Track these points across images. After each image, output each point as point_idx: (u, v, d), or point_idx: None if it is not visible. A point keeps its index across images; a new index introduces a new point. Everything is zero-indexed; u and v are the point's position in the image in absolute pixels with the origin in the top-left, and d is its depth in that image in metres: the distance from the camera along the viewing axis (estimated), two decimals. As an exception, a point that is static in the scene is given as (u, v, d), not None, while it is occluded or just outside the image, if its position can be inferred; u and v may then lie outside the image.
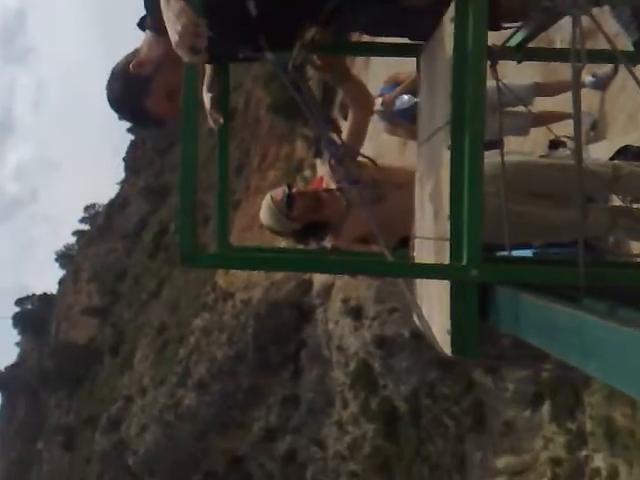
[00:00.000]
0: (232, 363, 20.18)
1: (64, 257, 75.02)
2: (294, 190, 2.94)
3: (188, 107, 1.61)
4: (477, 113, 1.48)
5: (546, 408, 11.50)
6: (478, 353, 1.60)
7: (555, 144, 3.27)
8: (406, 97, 3.94)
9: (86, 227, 73.36)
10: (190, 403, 21.10)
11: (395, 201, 2.82)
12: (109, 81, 2.11)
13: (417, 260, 2.09)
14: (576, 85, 1.23)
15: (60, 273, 72.83)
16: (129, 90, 2.06)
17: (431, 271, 1.66)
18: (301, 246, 3.09)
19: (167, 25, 1.73)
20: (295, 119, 21.94)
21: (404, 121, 3.91)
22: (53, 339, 55.64)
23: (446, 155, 1.58)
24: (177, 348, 23.31)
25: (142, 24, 2.09)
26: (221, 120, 2.28)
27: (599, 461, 9.62)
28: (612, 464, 9.20)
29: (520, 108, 3.66)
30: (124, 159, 69.85)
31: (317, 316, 18.30)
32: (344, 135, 2.79)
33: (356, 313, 15.78)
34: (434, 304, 1.79)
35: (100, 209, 71.47)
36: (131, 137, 66.69)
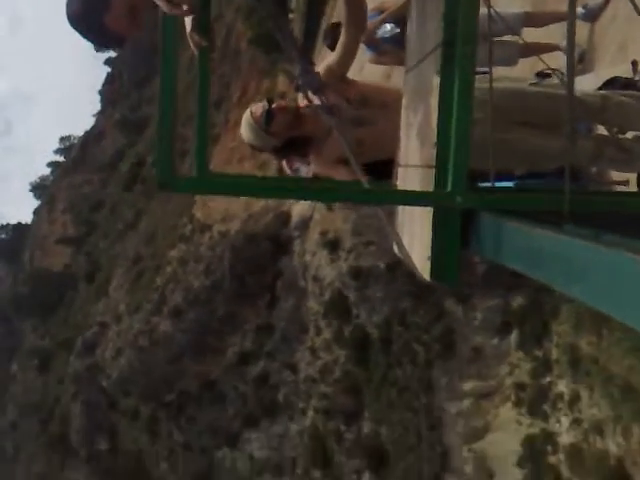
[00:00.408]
0: (208, 292, 20.32)
1: (39, 188, 73.97)
2: (274, 105, 2.84)
3: (166, 33, 1.57)
4: (469, 36, 1.44)
5: (514, 336, 11.84)
6: (457, 280, 1.61)
7: (542, 75, 3.25)
8: (389, 26, 3.85)
9: (61, 158, 72.19)
10: (165, 329, 21.32)
11: (382, 121, 2.76)
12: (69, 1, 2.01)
13: (401, 188, 2.07)
14: (572, 12, 1.23)
15: (35, 204, 71.90)
16: (88, 5, 1.98)
17: (415, 198, 1.65)
18: (284, 167, 3.04)
19: None
20: (276, 53, 21.43)
21: (390, 46, 3.83)
22: (27, 266, 55.35)
23: (435, 80, 1.55)
24: (153, 277, 23.36)
25: None
26: (203, 43, 2.19)
27: (562, 386, 10.01)
28: (574, 389, 9.58)
29: (509, 38, 3.61)
30: (100, 91, 68.22)
31: (294, 248, 18.41)
32: (335, 53, 2.75)
33: (333, 245, 15.91)
34: (415, 231, 1.79)
35: (75, 141, 70.12)
36: (108, 69, 64.86)
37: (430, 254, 1.58)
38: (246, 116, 2.91)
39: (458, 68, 1.46)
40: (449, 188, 1.49)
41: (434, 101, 1.57)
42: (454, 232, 1.55)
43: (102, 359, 24.30)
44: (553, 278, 1.17)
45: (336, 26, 3.10)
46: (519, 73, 4.01)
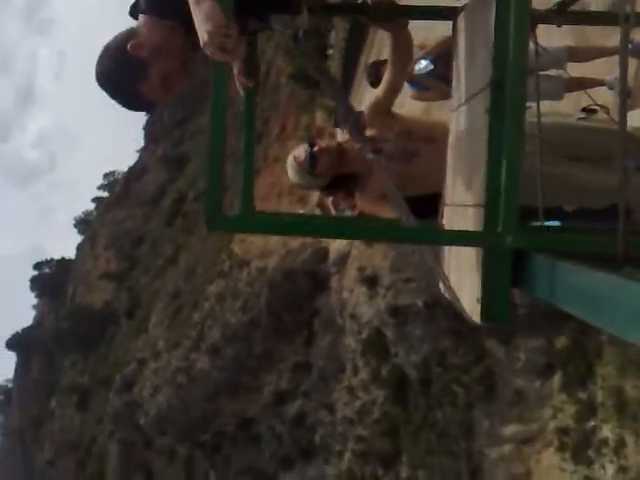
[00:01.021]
0: (246, 329, 20.34)
1: (83, 223, 75.77)
2: (316, 148, 2.84)
3: (218, 79, 1.60)
4: (519, 76, 1.43)
5: (557, 378, 11.53)
6: (508, 319, 1.57)
7: (588, 111, 3.19)
8: (424, 62, 3.87)
9: (105, 194, 73.88)
10: (203, 366, 21.34)
11: (428, 156, 2.76)
12: (102, 57, 1.99)
13: (447, 228, 2.05)
14: (624, 47, 1.20)
15: (78, 239, 73.50)
16: (124, 71, 1.95)
17: (464, 238, 1.62)
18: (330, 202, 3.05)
19: (196, 24, 1.67)
20: (315, 88, 21.77)
21: (432, 81, 3.83)
22: (69, 302, 56.29)
23: (484, 119, 1.54)
24: (191, 313, 23.51)
25: (134, 12, 2.02)
26: (250, 84, 2.22)
27: (607, 431, 9.66)
28: (620, 435, 9.24)
29: (554, 72, 3.57)
30: (144, 128, 70.14)
31: (332, 284, 18.36)
32: (381, 88, 2.77)
33: (371, 282, 15.81)
34: (464, 272, 1.75)
35: (119, 176, 71.93)
36: (150, 108, 66.83)
37: (480, 296, 1.55)
38: (290, 161, 2.92)
39: (508, 109, 1.44)
40: (499, 228, 1.47)
41: (483, 141, 1.54)
42: (504, 272, 1.52)
43: (140, 397, 24.40)
44: (610, 322, 1.12)
45: (379, 64, 3.12)
46: (564, 108, 3.96)
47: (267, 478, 19.97)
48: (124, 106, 2.04)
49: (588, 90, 3.48)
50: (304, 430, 18.69)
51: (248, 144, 2.28)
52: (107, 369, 34.34)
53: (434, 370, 14.29)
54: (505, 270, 1.53)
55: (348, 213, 2.95)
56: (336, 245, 17.97)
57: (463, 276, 1.77)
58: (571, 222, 2.58)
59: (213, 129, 1.63)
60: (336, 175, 2.90)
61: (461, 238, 1.64)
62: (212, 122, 1.63)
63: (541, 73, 3.25)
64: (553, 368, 11.68)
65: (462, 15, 1.99)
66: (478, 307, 1.58)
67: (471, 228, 1.68)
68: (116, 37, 1.99)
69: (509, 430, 12.59)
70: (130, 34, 1.96)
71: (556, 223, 2.79)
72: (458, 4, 2.04)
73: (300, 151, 2.87)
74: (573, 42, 4.17)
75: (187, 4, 1.80)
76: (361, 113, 2.39)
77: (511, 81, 1.44)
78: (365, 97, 12.22)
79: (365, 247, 16.05)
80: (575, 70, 3.98)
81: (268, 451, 19.92)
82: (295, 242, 19.49)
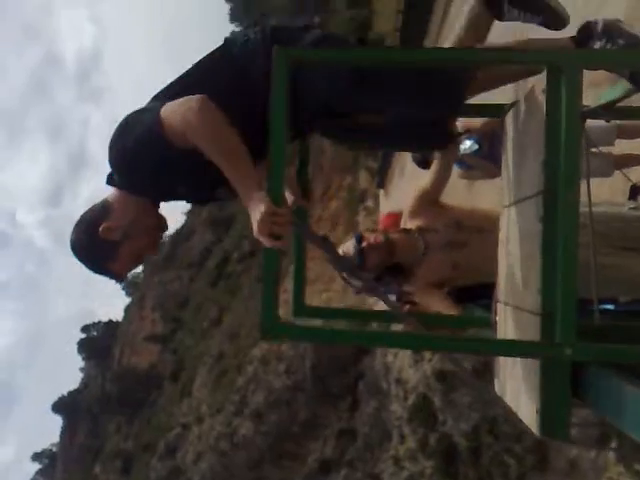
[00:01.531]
0: (290, 393, 20.13)
1: (130, 285, 77.10)
2: (364, 244, 2.87)
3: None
4: (572, 183, 1.40)
5: (613, 449, 11.02)
6: (568, 434, 1.51)
7: (637, 189, 3.13)
8: (468, 142, 3.92)
9: (153, 256, 75.24)
10: (246, 432, 21.11)
11: (477, 246, 2.75)
12: (76, 230, 2.07)
13: (501, 327, 1.99)
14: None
15: (126, 301, 74.67)
16: (95, 253, 2.05)
17: (521, 349, 1.55)
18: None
19: (240, 196, 1.76)
20: (359, 150, 22.08)
21: (477, 160, 3.85)
22: (116, 365, 56.82)
23: (538, 226, 1.50)
24: (235, 377, 23.42)
25: (110, 181, 2.09)
26: (302, 202, 2.30)
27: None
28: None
29: (601, 149, 3.53)
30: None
31: (376, 348, 18.12)
32: (428, 179, 2.80)
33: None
34: (520, 378, 1.69)
35: (166, 239, 73.35)
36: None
37: (539, 407, 1.49)
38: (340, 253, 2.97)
39: (561, 216, 1.40)
40: (557, 339, 1.42)
41: (536, 247, 1.50)
42: (564, 385, 1.47)
43: (183, 463, 24.19)
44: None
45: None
46: (608, 187, 3.89)
47: None
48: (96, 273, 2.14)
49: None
50: (350, 501, 18.18)
51: (299, 256, 2.34)
52: (151, 433, 34.26)
53: (484, 439, 13.81)
54: (564, 382, 1.48)
55: (392, 297, 2.94)
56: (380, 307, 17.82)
57: (520, 383, 1.70)
58: (623, 307, 2.50)
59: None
60: (386, 267, 2.91)
61: (518, 349, 1.58)
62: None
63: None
64: (609, 438, 11.19)
65: (511, 112, 1.97)
66: (537, 419, 1.52)
67: (527, 334, 1.63)
68: (91, 211, 2.06)
69: (565, 502, 12.03)
70: (104, 210, 2.03)
71: (609, 307, 2.69)
72: (507, 102, 2.04)
73: (349, 247, 2.89)
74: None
75: (159, 182, 1.97)
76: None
77: (563, 187, 1.41)
78: (409, 165, 12.29)
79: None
80: (622, 147, 3.94)
81: (313, 523, 19.39)
82: (339, 303, 19.40)
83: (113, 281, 2.28)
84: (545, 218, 1.48)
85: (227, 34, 2.17)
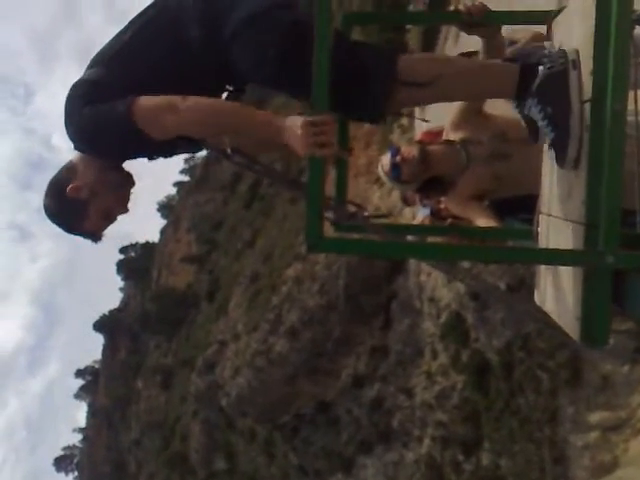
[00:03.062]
0: (323, 312, 20.43)
1: (165, 207, 78.01)
2: (398, 158, 2.88)
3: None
4: (620, 92, 1.37)
5: (647, 362, 11.03)
6: (608, 341, 1.51)
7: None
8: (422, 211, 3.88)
9: (186, 178, 75.74)
10: (281, 350, 21.61)
11: (522, 158, 2.69)
12: (46, 195, 2.16)
13: (543, 238, 1.98)
14: None
15: (162, 223, 75.75)
16: (66, 214, 2.15)
17: (563, 257, 1.55)
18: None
19: (291, 138, 1.77)
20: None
21: None
22: (154, 285, 58.21)
23: (584, 136, 1.49)
24: (270, 296, 23.81)
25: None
26: (344, 155, 2.33)
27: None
28: None
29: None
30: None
31: (410, 266, 18.16)
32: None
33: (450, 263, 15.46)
34: (562, 286, 1.68)
35: (199, 161, 73.58)
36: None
37: (580, 314, 1.48)
38: (380, 169, 3.04)
39: (608, 125, 1.37)
40: (600, 247, 1.42)
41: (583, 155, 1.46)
42: (605, 292, 1.46)
43: (221, 378, 24.99)
44: None
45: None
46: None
47: (346, 461, 20.11)
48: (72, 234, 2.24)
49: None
50: (382, 414, 18.68)
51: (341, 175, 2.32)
52: (189, 350, 35.33)
53: (517, 355, 13.90)
54: (605, 290, 1.47)
55: (422, 213, 2.97)
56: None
57: (561, 290, 1.70)
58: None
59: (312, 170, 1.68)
60: (427, 178, 2.94)
61: (560, 257, 1.58)
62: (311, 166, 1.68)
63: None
64: (644, 352, 11.17)
65: (558, 19, 1.90)
66: (577, 325, 1.54)
67: (570, 244, 1.63)
68: (57, 174, 2.17)
69: (595, 417, 12.14)
70: (69, 172, 2.14)
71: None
72: (551, 8, 1.98)
73: (386, 161, 2.93)
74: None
75: (124, 155, 2.08)
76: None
77: (611, 96, 1.40)
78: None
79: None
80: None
81: (346, 434, 20.03)
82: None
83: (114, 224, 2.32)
84: (592, 127, 1.45)
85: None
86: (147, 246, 71.91)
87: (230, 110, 1.93)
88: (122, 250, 73.60)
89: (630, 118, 1.75)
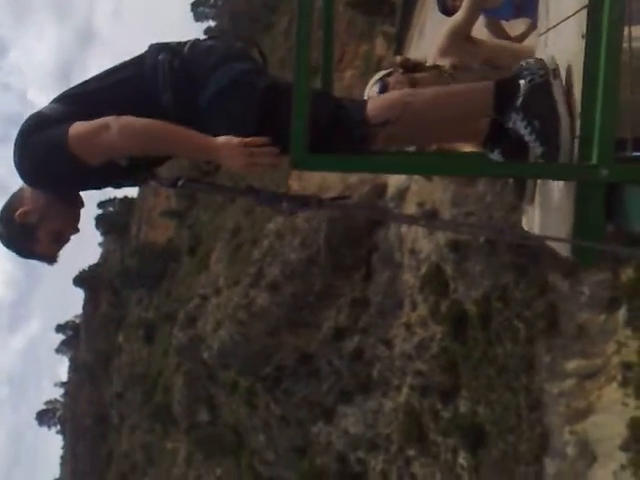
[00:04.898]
0: (304, 265, 20.49)
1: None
2: (389, 79, 2.78)
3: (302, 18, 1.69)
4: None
5: (622, 312, 11.25)
6: (599, 257, 1.55)
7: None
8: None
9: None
10: (263, 303, 21.72)
11: None
12: None
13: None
14: None
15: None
16: (17, 239, 2.19)
17: (557, 171, 1.54)
18: None
19: (225, 157, 1.84)
20: (375, 15, 21.02)
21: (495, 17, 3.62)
22: (134, 239, 57.80)
23: (579, 44, 1.43)
24: (251, 250, 23.81)
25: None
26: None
27: (673, 367, 9.45)
28: (687, 370, 9.03)
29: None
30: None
31: (390, 222, 18.21)
32: (461, 12, 2.64)
33: (431, 217, 15.54)
34: (552, 204, 1.69)
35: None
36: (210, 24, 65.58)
37: (572, 229, 1.51)
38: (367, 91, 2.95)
39: (605, 32, 1.34)
40: (594, 161, 1.41)
41: (578, 67, 1.44)
42: (599, 205, 1.47)
43: (203, 331, 25.11)
44: None
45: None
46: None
47: (327, 410, 20.46)
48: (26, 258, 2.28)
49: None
50: (362, 365, 18.95)
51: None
52: (171, 304, 35.38)
53: (494, 305, 14.13)
54: (599, 204, 1.48)
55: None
56: (395, 180, 17.72)
57: (551, 208, 1.71)
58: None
59: (298, 66, 1.67)
60: None
61: (553, 171, 1.57)
62: (297, 60, 1.67)
63: None
64: (618, 302, 11.39)
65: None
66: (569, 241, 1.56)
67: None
68: (8, 201, 2.22)
69: (571, 365, 12.43)
70: (17, 198, 2.18)
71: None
72: None
73: (374, 84, 2.83)
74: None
75: (67, 188, 2.12)
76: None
77: (609, 3, 1.35)
78: (428, 26, 11.69)
79: (424, 181, 15.75)
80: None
81: (327, 385, 20.33)
82: (353, 177, 19.31)
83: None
84: (588, 34, 1.41)
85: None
86: (126, 201, 71.04)
87: (163, 128, 1.93)
88: (100, 205, 72.72)
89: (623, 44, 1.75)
